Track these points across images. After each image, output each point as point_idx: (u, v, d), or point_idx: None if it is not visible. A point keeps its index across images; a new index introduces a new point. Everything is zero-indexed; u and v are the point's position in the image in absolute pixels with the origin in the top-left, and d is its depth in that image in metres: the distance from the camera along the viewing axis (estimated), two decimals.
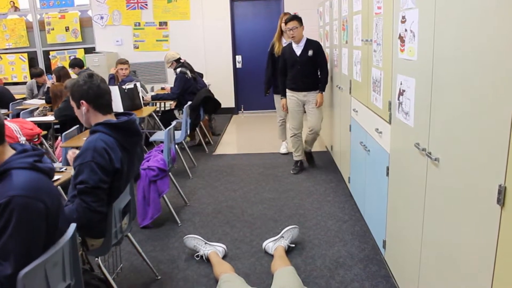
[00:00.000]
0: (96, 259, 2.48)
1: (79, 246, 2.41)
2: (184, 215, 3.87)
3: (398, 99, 2.42)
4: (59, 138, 4.67)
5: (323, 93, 4.78)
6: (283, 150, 5.79)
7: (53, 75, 6.28)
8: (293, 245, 3.23)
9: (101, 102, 2.38)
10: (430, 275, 2.04)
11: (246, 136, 7.24)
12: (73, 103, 2.40)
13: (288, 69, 4.82)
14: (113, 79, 6.50)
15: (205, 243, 3.18)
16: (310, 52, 4.65)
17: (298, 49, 4.71)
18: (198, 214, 3.89)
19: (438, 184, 1.89)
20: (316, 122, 4.83)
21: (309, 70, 4.73)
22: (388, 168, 2.66)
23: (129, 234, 2.80)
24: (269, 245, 3.21)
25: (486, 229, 1.46)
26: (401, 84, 2.37)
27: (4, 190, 1.60)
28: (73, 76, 6.38)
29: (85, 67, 7.13)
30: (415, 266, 2.24)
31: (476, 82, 1.54)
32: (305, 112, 4.89)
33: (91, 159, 2.20)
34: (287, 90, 4.89)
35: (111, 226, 2.43)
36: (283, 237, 3.22)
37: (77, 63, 6.95)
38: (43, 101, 6.17)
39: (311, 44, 4.71)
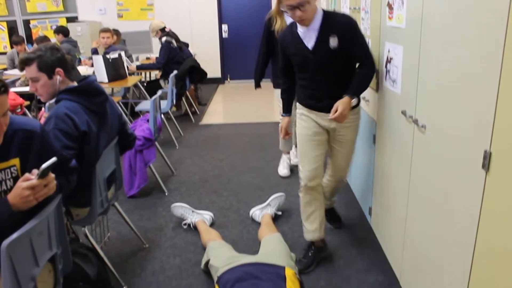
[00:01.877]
0: (83, 228, 2.46)
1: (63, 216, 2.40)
2: (171, 185, 3.86)
3: (386, 67, 2.40)
4: (43, 109, 4.59)
5: (354, 99, 2.40)
6: (283, 170, 4.00)
7: (34, 45, 6.13)
8: (280, 213, 3.24)
9: (70, 68, 2.35)
10: (416, 241, 2.07)
11: (233, 106, 7.19)
12: (41, 75, 2.26)
13: (297, 70, 2.61)
14: (96, 52, 6.36)
15: (192, 211, 3.18)
16: (334, 41, 2.36)
17: (309, 37, 2.43)
18: (185, 183, 3.89)
19: (424, 150, 1.89)
20: (344, 165, 2.74)
21: (336, 72, 2.47)
22: (374, 136, 2.66)
23: (116, 204, 2.79)
24: (256, 213, 3.22)
25: (471, 194, 1.47)
26: (388, 51, 2.35)
27: None
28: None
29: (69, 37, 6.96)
30: (400, 232, 2.27)
31: (463, 50, 1.52)
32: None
33: (53, 127, 2.16)
34: (298, 104, 2.70)
35: (96, 195, 2.40)
36: (270, 205, 3.23)
37: (62, 31, 6.77)
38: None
39: (334, 23, 2.38)
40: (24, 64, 2.23)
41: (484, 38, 1.38)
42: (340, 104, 2.31)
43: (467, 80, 1.50)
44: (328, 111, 2.37)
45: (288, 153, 4.10)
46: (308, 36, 2.42)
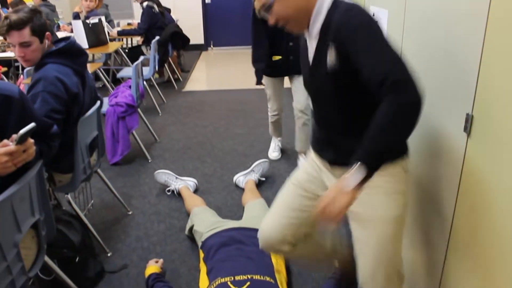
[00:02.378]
0: (66, 195, 2.44)
1: (45, 182, 2.37)
2: (154, 152, 3.83)
3: None
4: (21, 76, 4.48)
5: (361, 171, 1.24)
6: (274, 153, 3.72)
7: (10, 8, 5.93)
8: (264, 179, 3.26)
9: (53, 32, 2.29)
10: None
11: (216, 73, 7.12)
12: (34, 39, 2.20)
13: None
14: (78, 17, 6.17)
15: (176, 178, 3.17)
16: (331, 56, 1.35)
17: (311, 47, 1.46)
18: (169, 150, 3.87)
19: None
20: (372, 264, 1.52)
21: (349, 106, 1.44)
22: None
23: (99, 171, 2.76)
24: (240, 179, 3.23)
25: (452, 157, 1.48)
26: (373, 15, 2.32)
27: None
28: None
29: None
30: None
31: (448, 12, 1.50)
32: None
33: (42, 89, 2.11)
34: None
35: (78, 161, 2.38)
36: (253, 171, 3.24)
37: None
38: (1, 37, 5.84)
39: (332, 22, 1.33)
40: (14, 28, 2.12)
41: (468, 3, 1.37)
42: (330, 190, 1.29)
43: (451, 44, 1.49)
44: (340, 164, 1.51)
45: (278, 137, 3.78)
46: (310, 45, 1.48)
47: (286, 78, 3.33)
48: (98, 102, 2.58)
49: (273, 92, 3.40)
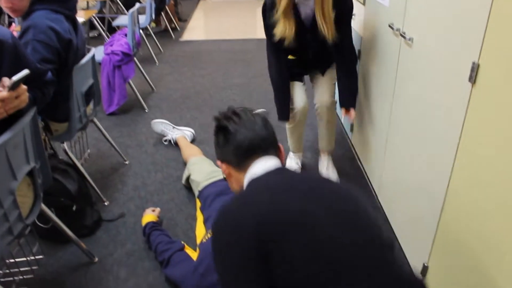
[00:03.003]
0: (62, 144, 2.42)
1: (41, 131, 2.34)
2: (151, 101, 3.78)
3: None
4: (13, 24, 4.35)
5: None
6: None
7: None
8: None
9: None
10: (395, 155, 2.08)
11: (214, 22, 6.94)
12: None
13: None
14: None
15: (173, 127, 3.14)
16: None
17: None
18: (166, 100, 3.81)
19: (410, 64, 1.85)
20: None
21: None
22: (360, 52, 2.59)
23: (95, 120, 2.72)
24: None
25: (456, 107, 1.45)
26: None
27: None
28: None
29: None
30: (381, 148, 2.27)
31: None
32: None
33: (32, 38, 2.03)
34: None
35: (74, 109, 2.34)
36: None
37: None
38: None
39: None
40: None
41: None
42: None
43: None
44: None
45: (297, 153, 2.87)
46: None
47: None
48: (93, 49, 2.51)
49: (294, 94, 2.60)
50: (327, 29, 2.21)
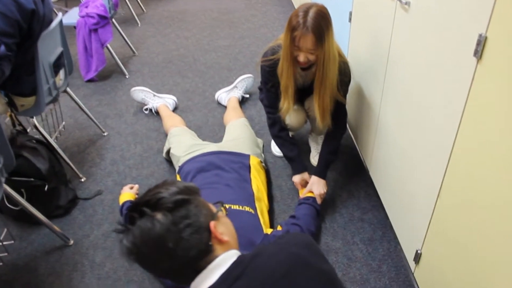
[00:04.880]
0: (31, 119, 2.20)
1: (5, 108, 2.11)
2: (132, 66, 3.52)
3: None
4: None
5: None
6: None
7: None
8: (247, 96, 3.01)
9: None
10: (387, 131, 1.88)
11: None
12: None
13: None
14: None
15: (154, 95, 2.91)
16: None
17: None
18: (147, 64, 3.55)
19: (406, 33, 1.61)
20: None
21: None
22: (351, 14, 2.33)
23: (69, 90, 2.48)
24: (222, 96, 2.97)
25: (457, 84, 1.24)
26: None
27: None
28: None
29: None
30: (373, 122, 2.07)
31: None
32: None
33: None
34: None
35: (41, 82, 2.10)
36: (236, 87, 2.98)
37: None
38: None
39: None
40: None
41: None
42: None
43: None
44: None
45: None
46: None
47: None
48: (60, 14, 2.25)
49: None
50: (321, 118, 1.99)
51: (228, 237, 1.02)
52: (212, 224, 0.99)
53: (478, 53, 1.10)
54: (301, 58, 1.83)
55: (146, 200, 0.96)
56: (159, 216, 0.94)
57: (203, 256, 0.97)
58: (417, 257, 1.59)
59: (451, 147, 1.29)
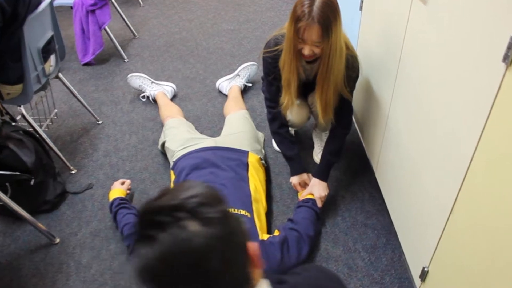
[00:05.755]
0: (19, 107, 2.05)
1: None
2: (131, 50, 3.34)
3: None
4: None
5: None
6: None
7: None
8: (250, 85, 2.83)
9: None
10: (395, 135, 1.71)
11: None
12: None
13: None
14: None
15: (152, 82, 2.74)
16: None
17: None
18: (148, 47, 3.37)
19: (423, 27, 1.43)
20: None
21: None
22: (362, 1, 2.13)
23: (61, 76, 2.33)
24: (223, 84, 2.80)
25: (481, 92, 1.07)
26: None
27: None
28: None
29: None
30: (381, 122, 1.90)
31: None
32: None
33: None
34: None
35: (28, 69, 1.95)
36: (239, 75, 2.80)
37: None
38: None
39: None
40: None
41: None
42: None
43: None
44: None
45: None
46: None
47: None
48: None
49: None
50: (322, 113, 1.83)
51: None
52: (250, 244, 0.74)
53: (509, 58, 0.93)
54: (306, 51, 1.66)
55: (177, 204, 0.69)
56: (198, 227, 0.67)
57: (245, 285, 0.72)
58: (424, 275, 1.44)
59: (470, 159, 1.13)
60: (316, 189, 1.93)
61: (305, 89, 1.99)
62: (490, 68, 1.00)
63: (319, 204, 1.89)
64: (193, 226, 0.66)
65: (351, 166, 2.21)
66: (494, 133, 1.02)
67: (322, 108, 1.81)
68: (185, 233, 0.65)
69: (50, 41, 2.15)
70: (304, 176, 2.00)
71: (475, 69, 1.09)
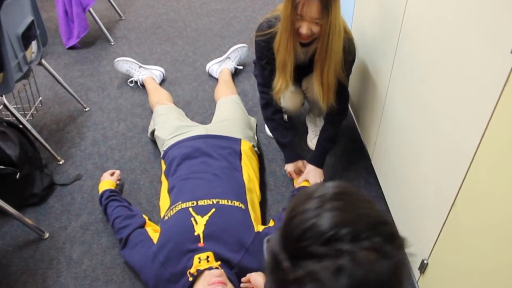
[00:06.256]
0: (0, 98, 1.96)
1: None
2: (118, 32, 3.22)
3: None
4: None
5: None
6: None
7: None
8: (241, 67, 2.75)
9: None
10: (393, 121, 1.66)
11: None
12: None
13: None
14: None
15: (140, 66, 2.64)
16: None
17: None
18: (134, 29, 3.25)
19: (424, 7, 1.36)
20: None
21: None
22: None
23: (44, 62, 2.23)
24: (214, 67, 2.71)
25: (486, 83, 1.01)
26: None
27: None
28: None
29: None
30: (378, 107, 1.84)
31: None
32: None
33: None
34: None
35: (8, 57, 1.85)
36: (229, 58, 2.71)
37: None
38: None
39: None
40: None
41: None
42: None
43: None
44: None
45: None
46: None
47: None
48: None
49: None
50: (323, 98, 1.75)
51: None
52: None
53: None
54: (304, 29, 1.58)
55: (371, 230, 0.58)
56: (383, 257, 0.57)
57: None
58: (423, 267, 1.41)
59: (475, 150, 1.08)
60: (312, 176, 1.87)
61: (299, 74, 1.91)
62: (498, 59, 0.94)
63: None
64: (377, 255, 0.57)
65: (346, 152, 2.16)
66: (502, 123, 0.97)
67: (324, 92, 1.74)
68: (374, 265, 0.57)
69: (30, 27, 2.04)
70: (299, 163, 1.95)
71: (480, 57, 1.03)
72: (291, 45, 1.67)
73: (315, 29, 1.58)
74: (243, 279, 1.46)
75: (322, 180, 1.89)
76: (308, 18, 1.55)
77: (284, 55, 1.70)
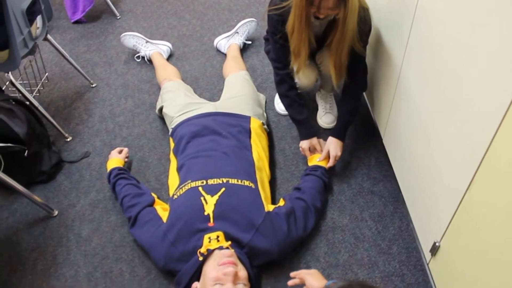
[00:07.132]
0: (7, 74, 1.93)
1: None
2: (124, 6, 3.15)
3: None
4: None
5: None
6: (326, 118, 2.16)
7: None
8: (250, 42, 2.68)
9: None
10: (406, 100, 1.61)
11: None
12: None
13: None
14: None
15: (146, 41, 2.59)
16: None
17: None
18: (141, 3, 3.18)
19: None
20: None
21: None
22: None
23: (50, 38, 2.18)
24: (222, 42, 2.65)
25: (509, 66, 0.96)
26: None
27: None
28: None
29: None
30: (391, 86, 1.79)
31: None
32: None
33: None
34: None
35: (13, 33, 1.81)
36: (237, 32, 2.65)
37: None
38: None
39: None
40: None
41: None
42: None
43: None
44: None
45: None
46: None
47: None
48: None
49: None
50: (337, 76, 1.76)
51: None
52: None
53: None
54: (321, 15, 1.57)
55: None
56: None
57: None
58: (434, 249, 1.39)
59: (493, 133, 1.04)
60: (333, 147, 1.85)
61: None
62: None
63: (332, 163, 1.83)
64: None
65: (356, 130, 2.12)
66: None
67: (337, 71, 1.74)
68: None
69: (35, 2, 1.99)
70: (314, 140, 1.91)
71: (503, 35, 0.97)
72: (306, 34, 1.65)
73: (332, 13, 1.57)
74: (292, 274, 1.40)
75: (340, 153, 1.86)
76: (324, 10, 1.53)
77: (298, 43, 1.68)
